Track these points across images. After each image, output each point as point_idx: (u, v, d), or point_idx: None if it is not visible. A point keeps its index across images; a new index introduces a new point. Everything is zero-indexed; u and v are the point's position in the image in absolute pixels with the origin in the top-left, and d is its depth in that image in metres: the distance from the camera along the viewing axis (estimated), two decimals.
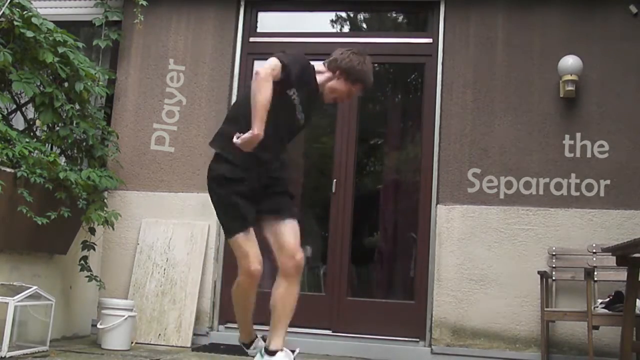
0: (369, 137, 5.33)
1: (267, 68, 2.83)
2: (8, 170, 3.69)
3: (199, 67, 5.08)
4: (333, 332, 4.67)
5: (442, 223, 4.56)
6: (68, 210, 4.00)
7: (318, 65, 3.16)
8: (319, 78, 3.13)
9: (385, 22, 5.49)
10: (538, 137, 4.57)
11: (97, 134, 4.65)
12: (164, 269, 4.72)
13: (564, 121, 4.56)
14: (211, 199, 3.14)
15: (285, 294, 3.08)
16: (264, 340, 3.13)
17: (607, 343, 4.19)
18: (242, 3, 5.17)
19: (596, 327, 3.95)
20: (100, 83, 4.71)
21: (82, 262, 4.38)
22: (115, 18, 5.21)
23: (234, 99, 5.03)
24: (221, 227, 3.23)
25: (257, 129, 2.77)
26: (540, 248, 4.42)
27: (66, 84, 4.35)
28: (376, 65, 5.35)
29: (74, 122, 4.32)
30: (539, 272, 4.20)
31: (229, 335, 4.71)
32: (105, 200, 4.53)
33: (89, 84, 4.41)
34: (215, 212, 3.16)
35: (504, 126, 4.63)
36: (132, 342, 4.34)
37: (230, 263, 4.91)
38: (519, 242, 4.46)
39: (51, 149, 4.37)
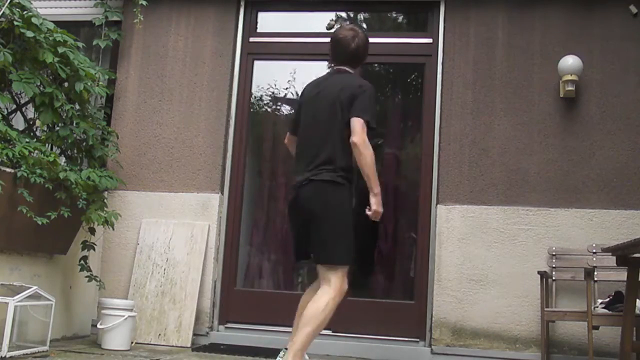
0: (369, 137, 5.32)
1: (362, 135, 3.13)
2: (8, 170, 3.69)
3: (199, 67, 5.08)
4: (333, 332, 4.67)
5: (442, 223, 4.56)
6: (68, 210, 4.00)
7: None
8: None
9: (385, 22, 5.49)
10: (538, 137, 4.58)
11: (97, 134, 4.64)
12: (164, 269, 4.73)
13: (564, 121, 4.56)
14: (341, 231, 3.16)
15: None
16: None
17: (607, 343, 4.20)
18: (242, 3, 5.17)
19: (596, 327, 3.95)
20: (100, 83, 4.70)
21: (82, 262, 4.38)
22: (115, 18, 5.22)
23: (234, 99, 5.03)
24: (337, 252, 3.15)
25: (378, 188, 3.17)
26: (540, 248, 4.42)
27: (66, 84, 4.35)
28: (376, 65, 5.43)
29: (74, 122, 4.32)
30: (539, 272, 4.20)
31: (229, 335, 4.72)
32: (105, 200, 4.53)
33: (89, 84, 4.41)
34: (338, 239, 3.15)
35: (504, 126, 4.63)
36: (132, 342, 4.34)
37: (230, 263, 4.92)
38: (519, 242, 4.46)
39: (51, 149, 4.37)
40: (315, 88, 3.41)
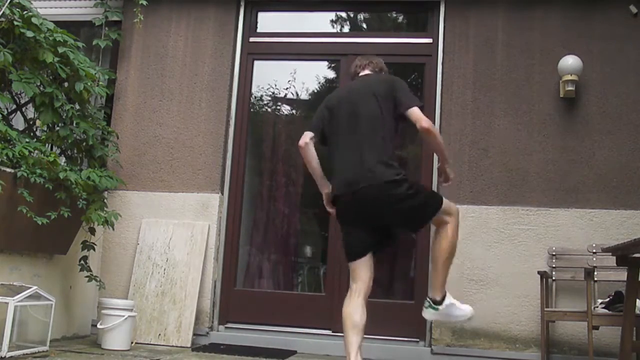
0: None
1: (428, 120, 3.22)
2: (8, 170, 3.69)
3: (199, 67, 5.08)
4: (333, 332, 4.67)
5: None
6: (68, 210, 4.00)
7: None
8: None
9: (385, 22, 5.49)
10: (538, 137, 4.57)
11: (97, 134, 4.65)
12: (164, 269, 4.72)
13: (564, 121, 4.56)
14: (423, 194, 3.34)
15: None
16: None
17: (607, 343, 4.19)
18: (242, 3, 5.17)
19: (596, 327, 3.95)
20: (100, 83, 4.70)
21: (82, 262, 4.38)
22: (115, 18, 5.22)
23: (234, 99, 5.04)
24: (432, 205, 3.30)
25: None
26: (540, 248, 4.42)
27: (66, 84, 4.35)
28: None
29: (74, 122, 4.32)
30: (539, 272, 4.20)
31: (229, 335, 4.72)
32: (105, 200, 4.53)
33: (89, 84, 4.41)
34: (419, 204, 3.28)
35: (504, 126, 4.63)
36: (132, 342, 4.34)
37: (229, 263, 4.92)
38: (519, 242, 4.46)
39: (51, 149, 4.37)
40: (343, 92, 3.49)
